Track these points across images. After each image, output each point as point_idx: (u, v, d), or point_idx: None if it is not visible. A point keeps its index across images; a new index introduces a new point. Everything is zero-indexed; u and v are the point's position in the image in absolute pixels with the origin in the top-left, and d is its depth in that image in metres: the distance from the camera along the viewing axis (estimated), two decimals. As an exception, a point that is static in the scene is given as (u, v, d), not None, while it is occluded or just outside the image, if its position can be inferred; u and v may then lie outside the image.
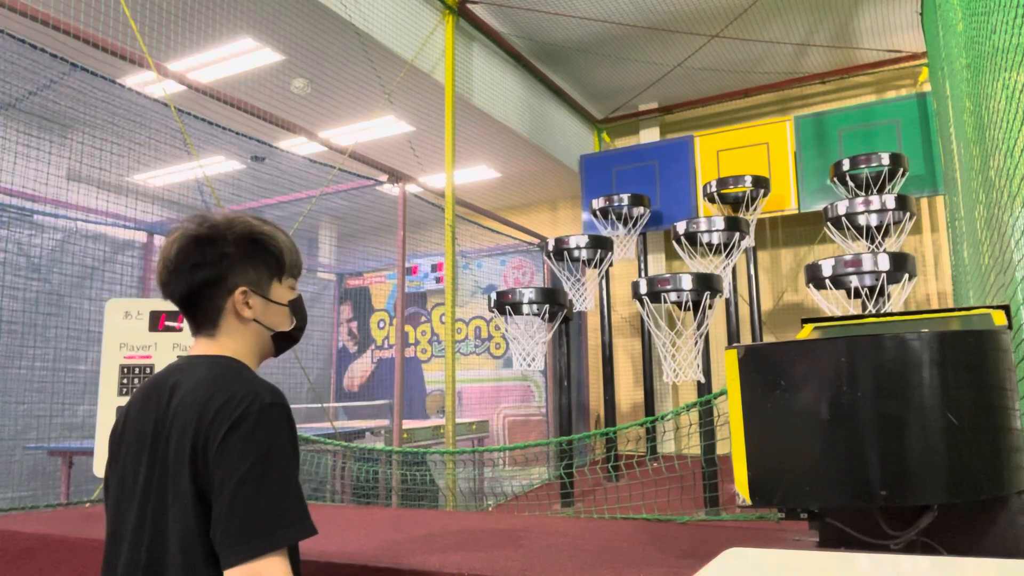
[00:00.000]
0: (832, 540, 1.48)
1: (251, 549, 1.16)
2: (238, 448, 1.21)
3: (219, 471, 1.20)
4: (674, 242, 6.55)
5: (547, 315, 5.34)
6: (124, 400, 3.17)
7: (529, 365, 5.54)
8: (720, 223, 6.29)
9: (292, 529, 1.21)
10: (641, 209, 7.44)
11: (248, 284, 1.42)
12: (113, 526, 1.36)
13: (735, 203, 7.17)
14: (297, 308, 1.52)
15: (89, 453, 4.30)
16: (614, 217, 7.43)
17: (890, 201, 5.71)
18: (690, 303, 5.16)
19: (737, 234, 6.36)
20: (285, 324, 1.49)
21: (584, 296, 6.81)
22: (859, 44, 7.81)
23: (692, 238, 6.37)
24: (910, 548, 1.41)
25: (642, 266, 8.02)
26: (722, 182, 7.08)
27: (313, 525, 1.26)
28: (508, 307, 5.32)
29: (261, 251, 1.44)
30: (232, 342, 1.42)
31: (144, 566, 1.26)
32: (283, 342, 1.51)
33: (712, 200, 7.24)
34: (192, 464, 1.24)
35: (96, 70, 4.20)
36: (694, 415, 4.06)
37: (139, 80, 4.84)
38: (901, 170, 6.49)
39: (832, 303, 5.19)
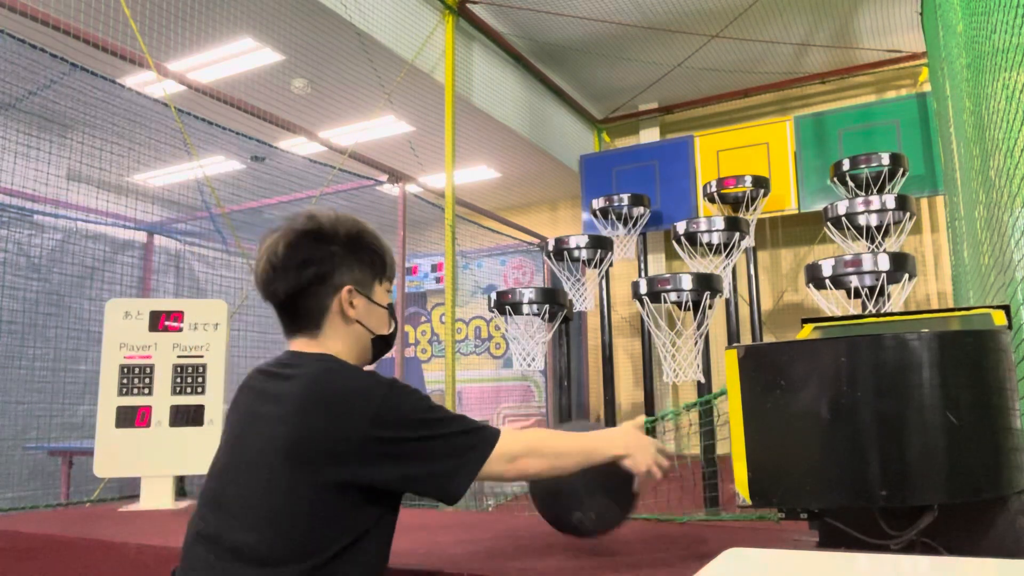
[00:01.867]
0: (832, 540, 1.48)
1: (467, 469, 1.30)
2: (393, 424, 1.26)
3: (382, 447, 1.25)
4: (674, 242, 6.55)
5: (547, 315, 5.34)
6: (124, 400, 3.17)
7: (529, 365, 5.54)
8: (720, 223, 6.29)
9: (485, 438, 1.33)
10: (641, 209, 7.44)
11: (354, 283, 1.42)
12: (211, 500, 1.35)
13: (735, 203, 7.17)
14: (392, 312, 1.52)
15: (89, 453, 4.30)
16: (614, 217, 7.43)
17: (890, 201, 5.71)
18: (690, 303, 5.15)
19: (737, 234, 6.36)
20: (385, 327, 1.49)
21: (584, 296, 6.81)
22: (859, 44, 7.81)
23: (692, 238, 6.37)
24: (910, 548, 1.41)
25: (642, 266, 8.02)
26: (722, 182, 7.08)
27: (491, 430, 1.36)
28: (508, 307, 5.32)
29: (367, 250, 1.45)
30: (334, 343, 1.41)
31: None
32: (380, 347, 1.49)
33: (712, 200, 7.24)
34: (331, 449, 1.25)
35: (96, 70, 4.20)
36: (694, 415, 4.06)
37: (139, 80, 4.84)
38: (901, 170, 6.49)
39: (832, 303, 5.19)
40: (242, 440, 1.35)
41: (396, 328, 1.53)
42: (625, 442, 1.49)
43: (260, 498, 1.26)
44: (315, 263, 1.38)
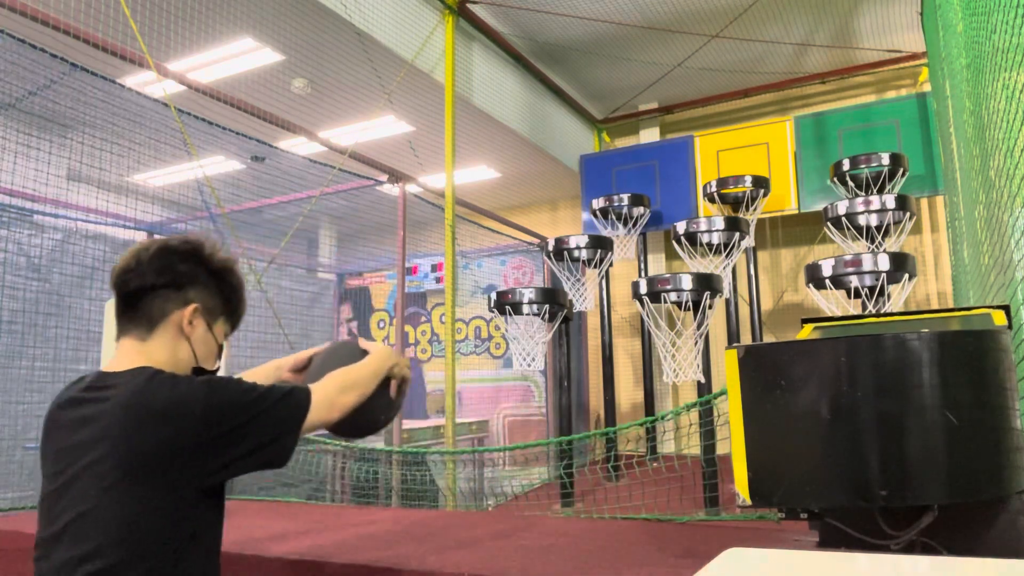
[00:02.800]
0: (832, 540, 1.48)
1: (292, 434, 1.42)
2: (230, 419, 1.34)
3: (227, 438, 1.33)
4: (674, 242, 6.55)
5: (547, 315, 5.34)
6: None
7: (529, 365, 5.54)
8: (720, 223, 6.29)
9: (300, 396, 1.45)
10: (641, 209, 7.44)
11: (202, 305, 1.47)
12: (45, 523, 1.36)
13: (735, 203, 7.17)
14: (221, 354, 1.56)
15: (89, 453, 4.29)
16: (614, 217, 7.42)
17: (890, 201, 5.71)
18: (690, 303, 5.16)
19: (737, 234, 6.36)
20: (210, 361, 1.53)
21: (584, 296, 6.81)
22: (859, 44, 7.81)
23: (692, 238, 6.37)
24: (910, 548, 1.41)
25: (642, 266, 8.02)
26: (722, 182, 7.08)
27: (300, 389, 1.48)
28: (508, 307, 5.32)
29: (228, 287, 1.51)
30: (160, 352, 1.44)
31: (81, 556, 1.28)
32: (198, 370, 1.53)
33: (712, 200, 7.24)
34: (169, 458, 1.29)
35: (96, 70, 4.20)
36: (694, 415, 4.06)
37: (139, 80, 4.84)
38: (901, 170, 6.49)
39: (832, 303, 5.19)
40: (65, 472, 1.33)
41: (218, 369, 1.56)
42: (389, 354, 1.70)
43: (95, 519, 1.27)
44: (175, 273, 1.43)
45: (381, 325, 9.18)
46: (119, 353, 1.45)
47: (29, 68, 4.30)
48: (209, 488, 1.37)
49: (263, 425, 1.38)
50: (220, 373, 1.56)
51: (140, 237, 6.84)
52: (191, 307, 1.45)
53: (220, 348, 1.55)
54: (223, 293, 1.51)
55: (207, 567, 1.39)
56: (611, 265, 6.95)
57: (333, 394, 1.52)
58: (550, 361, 7.48)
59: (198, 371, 1.49)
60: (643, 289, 5.27)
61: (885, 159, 6.42)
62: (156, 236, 6.87)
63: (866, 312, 4.92)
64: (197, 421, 1.31)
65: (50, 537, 1.32)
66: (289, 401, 1.44)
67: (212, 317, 1.50)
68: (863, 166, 6.53)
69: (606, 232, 7.33)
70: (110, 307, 3.29)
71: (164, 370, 1.39)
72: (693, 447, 4.10)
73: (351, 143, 5.77)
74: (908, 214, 5.79)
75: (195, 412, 1.31)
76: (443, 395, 6.19)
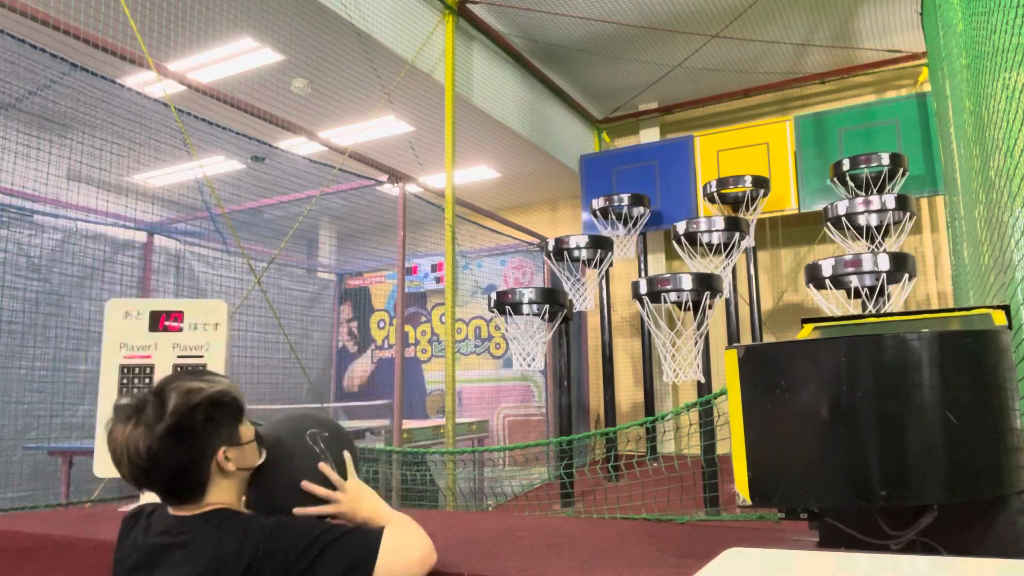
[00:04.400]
0: (832, 540, 1.48)
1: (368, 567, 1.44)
2: (287, 550, 1.40)
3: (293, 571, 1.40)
4: (674, 242, 6.55)
5: (547, 315, 5.34)
6: (124, 400, 3.17)
7: (529, 365, 5.54)
8: (720, 223, 6.29)
9: (371, 537, 1.48)
10: (641, 209, 7.44)
11: (224, 443, 1.47)
12: None
13: (735, 203, 7.17)
14: (260, 440, 1.57)
15: (89, 453, 4.30)
16: (614, 217, 7.42)
17: (890, 201, 5.71)
18: (690, 303, 5.15)
19: (737, 234, 6.36)
20: (257, 458, 1.55)
21: (584, 296, 6.81)
22: (859, 44, 7.81)
23: (692, 238, 6.37)
24: (910, 548, 1.41)
25: (642, 266, 8.01)
26: (722, 182, 7.08)
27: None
28: (508, 307, 5.32)
29: (224, 409, 1.49)
30: (217, 497, 1.47)
31: None
32: (256, 473, 1.57)
33: (712, 200, 7.24)
34: None
35: (96, 70, 4.20)
36: (694, 415, 4.06)
37: (139, 80, 4.84)
38: (901, 170, 6.49)
39: (832, 303, 5.19)
40: None
41: (263, 450, 1.58)
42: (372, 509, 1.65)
43: None
44: (184, 450, 1.41)
45: (381, 325, 9.18)
46: (183, 512, 1.48)
47: (29, 68, 4.30)
48: None
49: (328, 562, 1.41)
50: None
51: (140, 237, 6.83)
52: (219, 453, 1.46)
53: (254, 441, 1.55)
54: (227, 417, 1.49)
55: None
56: (611, 265, 6.95)
57: (405, 545, 1.51)
58: (550, 361, 7.49)
59: (255, 473, 1.54)
60: (643, 289, 5.27)
61: (885, 159, 6.42)
62: (154, 235, 6.87)
63: (866, 312, 4.92)
64: (257, 564, 1.37)
65: None
66: (356, 536, 1.47)
67: (235, 437, 1.50)
68: (863, 166, 6.53)
69: (606, 232, 7.33)
70: (110, 307, 3.29)
71: (229, 508, 1.48)
72: (693, 447, 4.10)
73: (351, 143, 5.77)
74: (908, 214, 5.79)
75: (258, 554, 1.37)
76: (443, 395, 6.19)
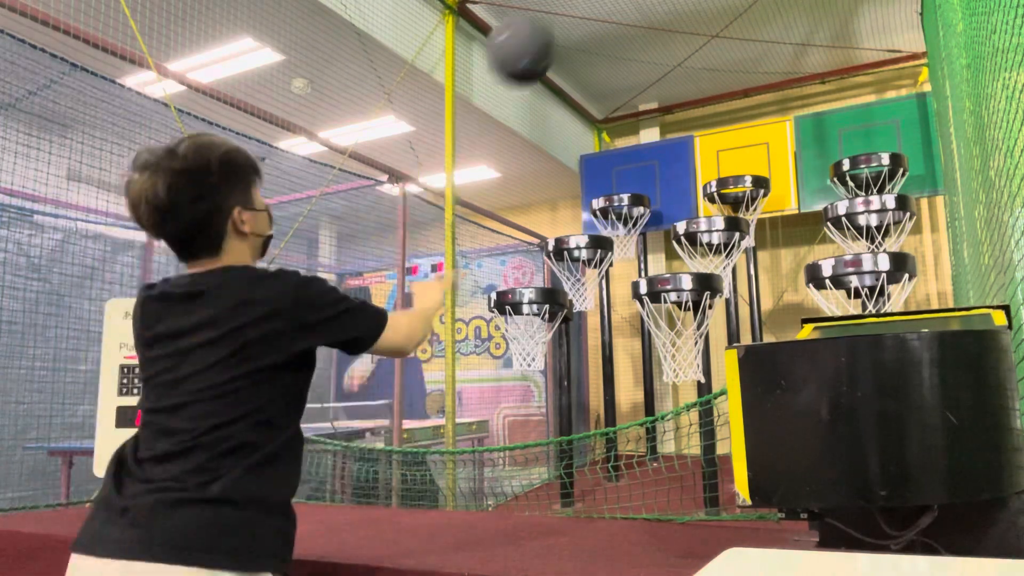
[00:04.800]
0: (832, 540, 1.48)
1: (375, 331, 1.59)
2: (314, 302, 1.49)
3: (311, 318, 1.48)
4: (674, 242, 6.55)
5: (547, 315, 5.34)
6: (124, 400, 3.18)
7: (529, 365, 5.54)
8: (720, 223, 6.29)
9: (381, 314, 1.61)
10: (641, 209, 7.44)
11: (239, 203, 1.51)
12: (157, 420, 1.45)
13: (735, 203, 7.17)
14: (270, 213, 1.65)
15: (89, 453, 4.30)
16: (614, 217, 7.43)
17: (890, 201, 5.71)
18: (690, 303, 5.15)
19: (737, 234, 6.36)
20: (268, 227, 1.62)
21: (584, 296, 6.81)
22: (859, 44, 7.81)
23: (692, 238, 6.37)
24: (910, 548, 1.41)
25: (642, 266, 8.01)
26: (722, 182, 7.08)
27: (383, 310, 1.65)
28: (508, 307, 5.32)
29: (241, 168, 1.53)
30: (231, 257, 1.53)
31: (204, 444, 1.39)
32: (266, 244, 1.65)
33: (712, 200, 7.24)
34: (272, 338, 1.44)
35: (96, 70, 4.20)
36: (694, 415, 4.06)
37: (139, 80, 4.84)
38: (901, 170, 6.49)
39: (832, 303, 5.19)
40: (181, 366, 1.44)
41: (272, 222, 1.66)
42: (426, 295, 1.89)
43: (218, 398, 1.40)
44: (204, 198, 1.45)
45: (381, 325, 9.17)
46: (196, 268, 1.53)
47: (29, 68, 4.30)
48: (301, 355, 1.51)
49: (336, 327, 1.53)
50: None
51: (140, 237, 6.83)
52: (235, 212, 1.50)
53: (267, 209, 1.62)
54: (242, 175, 1.53)
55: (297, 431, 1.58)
56: (611, 265, 6.95)
57: (406, 327, 1.66)
58: (550, 361, 7.49)
59: (266, 240, 1.63)
60: (643, 289, 5.27)
61: (885, 159, 6.42)
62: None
63: (866, 312, 4.92)
64: (289, 313, 1.45)
65: (169, 408, 1.42)
66: (368, 310, 1.59)
67: (249, 199, 1.54)
68: (863, 166, 6.53)
69: (606, 232, 7.33)
70: (110, 307, 3.29)
71: (251, 265, 1.55)
72: (693, 447, 4.10)
73: (351, 143, 5.77)
74: (908, 214, 5.79)
75: (285, 302, 1.45)
76: (443, 395, 6.19)
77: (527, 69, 2.10)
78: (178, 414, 1.40)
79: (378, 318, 1.61)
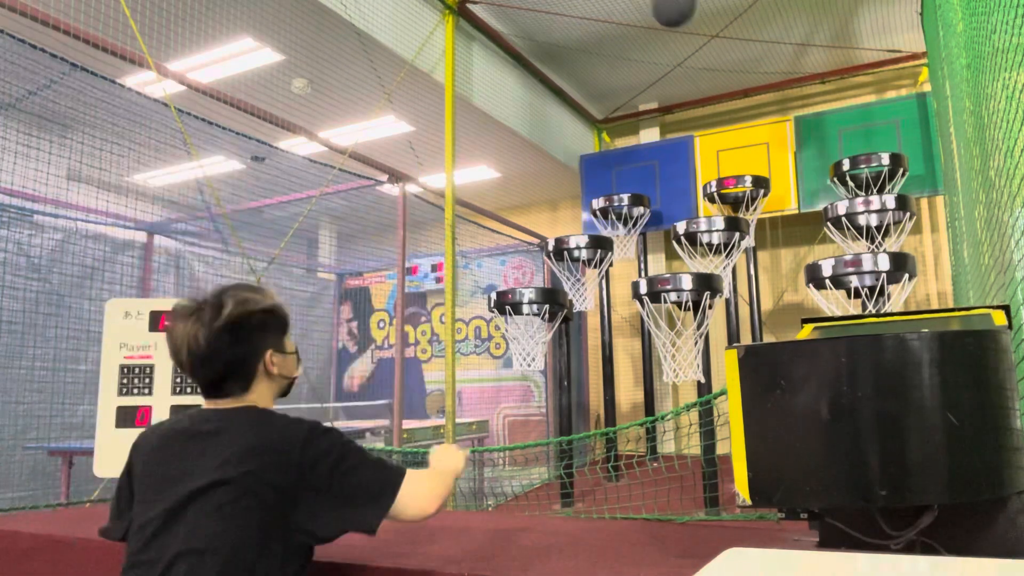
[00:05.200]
0: (832, 540, 1.48)
1: (391, 493, 1.53)
2: (324, 457, 1.50)
3: (321, 477, 1.49)
4: (674, 242, 6.55)
5: (547, 315, 5.34)
6: (124, 400, 3.17)
7: (529, 365, 5.54)
8: (720, 223, 6.29)
9: (396, 472, 1.56)
10: (641, 209, 7.44)
11: (272, 347, 1.64)
12: (143, 555, 1.49)
13: (735, 203, 7.17)
14: (298, 355, 1.77)
15: (89, 453, 4.30)
16: (614, 217, 7.42)
17: (890, 201, 5.71)
18: (690, 303, 5.15)
19: (737, 234, 6.36)
20: (296, 369, 1.74)
21: (584, 296, 6.81)
22: (859, 44, 7.81)
23: (692, 238, 6.37)
24: (910, 548, 1.41)
25: (642, 266, 8.01)
26: (722, 182, 7.08)
27: (401, 468, 1.60)
28: (508, 307, 5.32)
29: (275, 319, 1.67)
30: (256, 396, 1.63)
31: None
32: (291, 384, 1.76)
33: (712, 200, 7.24)
34: (278, 490, 1.46)
35: (96, 70, 4.20)
36: (694, 415, 4.06)
37: (139, 80, 4.84)
38: (901, 170, 6.48)
39: (832, 303, 5.19)
40: (182, 481, 1.49)
41: (300, 364, 1.79)
42: (444, 460, 1.82)
43: (207, 547, 1.41)
44: (239, 346, 1.58)
45: (381, 325, 9.18)
46: (219, 404, 1.62)
47: (29, 68, 4.30)
48: (297, 546, 1.51)
49: (349, 483, 1.51)
50: None
51: (140, 237, 6.83)
52: (267, 354, 1.62)
53: (295, 355, 1.73)
54: (277, 325, 1.67)
55: None
56: (611, 265, 6.95)
57: (427, 490, 1.60)
58: (550, 361, 7.48)
59: (291, 381, 1.73)
60: (643, 289, 5.27)
61: (885, 159, 6.42)
62: (154, 235, 6.87)
63: (866, 312, 4.92)
64: (294, 463, 1.47)
65: (151, 561, 1.45)
66: (384, 467, 1.56)
67: (281, 344, 1.67)
68: (863, 166, 6.53)
69: (606, 232, 7.33)
70: (110, 307, 3.29)
71: (267, 408, 1.62)
72: (693, 447, 4.10)
73: (351, 143, 5.77)
74: (908, 214, 5.79)
75: (294, 453, 1.48)
76: (443, 395, 6.19)
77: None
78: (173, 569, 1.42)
79: (392, 475, 1.58)
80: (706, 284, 5.07)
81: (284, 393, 1.73)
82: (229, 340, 1.55)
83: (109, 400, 3.17)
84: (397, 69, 6.03)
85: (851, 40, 7.74)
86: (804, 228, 8.16)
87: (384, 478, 1.55)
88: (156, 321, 3.26)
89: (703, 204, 7.68)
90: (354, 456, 1.54)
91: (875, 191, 6.54)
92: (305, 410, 7.17)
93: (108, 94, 4.63)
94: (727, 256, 6.45)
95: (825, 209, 6.01)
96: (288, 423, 1.54)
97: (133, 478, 1.61)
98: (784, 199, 7.57)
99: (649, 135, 9.33)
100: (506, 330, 5.64)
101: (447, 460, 1.82)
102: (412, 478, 1.59)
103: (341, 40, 5.69)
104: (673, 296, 5.26)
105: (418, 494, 1.57)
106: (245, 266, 5.07)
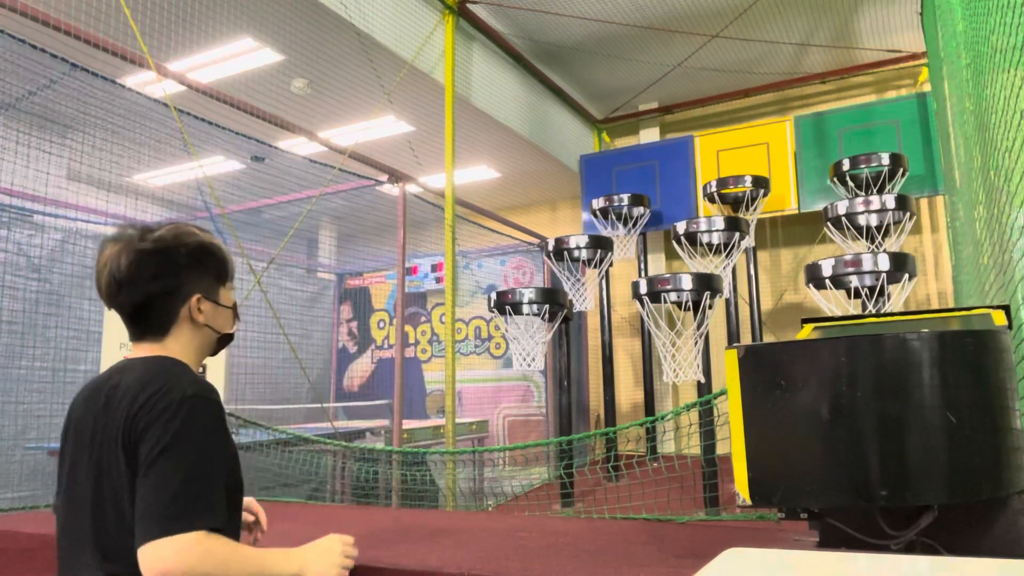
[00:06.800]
0: (832, 540, 1.48)
1: (160, 527, 1.23)
2: (155, 434, 1.30)
3: (143, 454, 1.30)
4: (674, 242, 6.55)
5: (547, 315, 5.34)
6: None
7: (529, 365, 5.54)
8: (720, 223, 6.29)
9: (197, 515, 1.26)
10: (641, 209, 7.44)
11: (201, 292, 1.51)
12: (64, 520, 1.43)
13: (735, 203, 7.17)
14: (236, 311, 1.64)
15: (89, 453, 4.30)
16: (614, 217, 7.42)
17: (890, 201, 5.71)
18: (690, 303, 5.15)
19: (737, 234, 6.36)
20: (229, 325, 1.59)
21: (584, 296, 6.81)
22: (859, 44, 7.81)
23: (692, 238, 6.37)
24: (910, 548, 1.41)
25: (642, 266, 8.01)
26: (722, 182, 7.08)
27: (220, 517, 1.30)
28: (508, 307, 5.32)
29: (211, 260, 1.53)
30: (177, 344, 1.50)
31: (98, 555, 1.33)
32: (224, 341, 1.60)
33: (712, 200, 7.24)
34: (125, 451, 1.32)
35: (96, 70, 4.20)
36: (694, 415, 4.06)
37: (139, 80, 4.84)
38: (901, 170, 6.48)
39: (832, 303, 5.19)
40: (75, 439, 1.43)
41: (238, 322, 1.64)
42: (302, 559, 1.43)
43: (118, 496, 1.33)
44: (162, 277, 1.45)
45: (381, 325, 9.18)
46: (138, 352, 1.51)
47: (29, 68, 4.30)
48: None
49: (151, 482, 1.28)
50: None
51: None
52: (194, 298, 1.49)
53: (234, 307, 1.60)
54: (211, 267, 1.53)
55: None
56: (611, 265, 6.95)
57: (216, 555, 1.27)
58: (550, 361, 7.49)
59: (224, 337, 1.58)
60: (643, 289, 5.27)
61: (885, 159, 6.42)
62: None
63: (866, 312, 4.92)
64: (137, 427, 1.33)
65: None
66: (193, 496, 1.28)
67: (214, 292, 1.54)
68: (863, 166, 6.53)
69: (606, 232, 7.33)
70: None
71: (178, 360, 1.47)
72: (693, 447, 4.10)
73: (351, 143, 5.77)
74: (908, 214, 5.79)
75: (141, 415, 1.33)
76: (443, 395, 6.19)
77: None
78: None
79: (195, 508, 1.26)
80: (706, 284, 5.07)
81: (214, 352, 1.58)
82: (153, 268, 1.43)
83: (109, 400, 3.16)
84: (397, 69, 6.03)
85: (851, 40, 7.74)
86: (804, 228, 8.16)
87: (178, 508, 1.24)
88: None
89: (703, 204, 7.68)
90: (183, 455, 1.28)
91: (875, 191, 6.54)
92: (304, 411, 7.17)
93: (108, 94, 4.63)
94: (727, 256, 6.45)
95: (825, 209, 6.01)
96: (173, 384, 1.34)
97: (66, 442, 1.49)
98: (784, 199, 7.57)
99: (649, 135, 9.33)
100: (506, 330, 5.65)
101: (314, 561, 1.43)
102: (204, 539, 1.24)
103: (341, 40, 5.69)
104: (673, 296, 5.26)
105: (188, 557, 1.21)
106: (245, 266, 5.07)
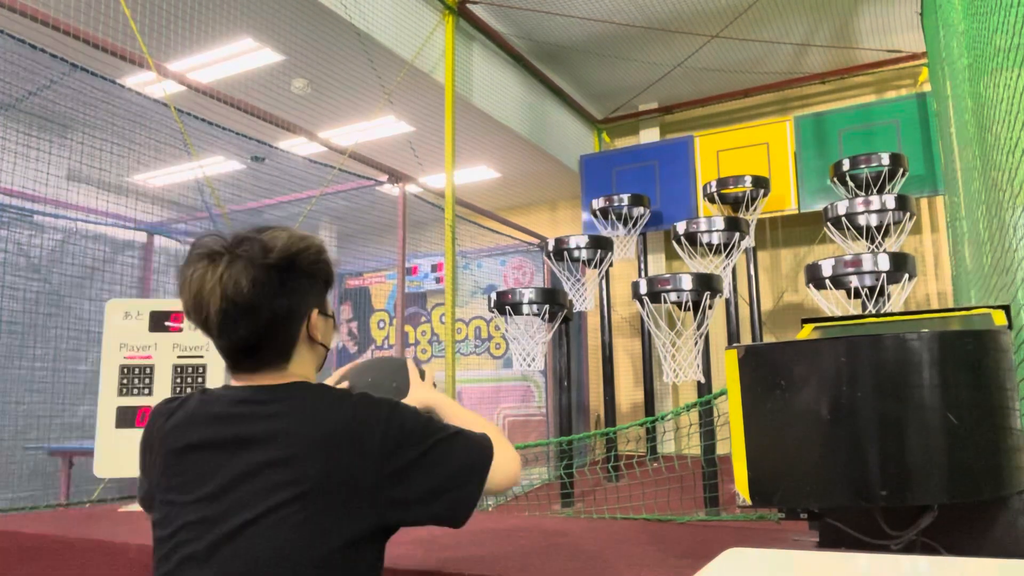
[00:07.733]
0: (832, 540, 1.48)
1: (472, 490, 1.25)
2: (410, 446, 1.20)
3: (404, 472, 1.18)
4: (674, 242, 6.55)
5: (547, 315, 5.34)
6: (124, 400, 3.17)
7: (529, 365, 5.54)
8: (720, 223, 6.29)
9: (481, 447, 1.28)
10: (641, 209, 7.44)
11: (317, 305, 1.30)
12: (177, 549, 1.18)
13: (735, 203, 7.17)
14: (335, 318, 1.44)
15: (89, 453, 4.31)
16: (614, 217, 7.42)
17: (890, 201, 5.71)
18: (690, 303, 5.15)
19: (737, 234, 6.36)
20: (330, 339, 1.39)
21: (584, 296, 6.81)
22: (859, 44, 7.81)
23: (692, 238, 6.37)
24: (910, 548, 1.41)
25: (642, 266, 8.01)
26: (722, 182, 7.08)
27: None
28: (508, 307, 5.32)
29: (326, 266, 1.32)
30: (299, 368, 1.29)
31: None
32: (326, 353, 1.41)
33: (712, 200, 7.24)
34: (349, 484, 1.15)
35: (96, 70, 4.20)
36: (694, 415, 4.06)
37: (139, 80, 4.84)
38: (901, 170, 6.48)
39: (832, 303, 5.19)
40: (229, 495, 1.15)
41: (337, 333, 1.51)
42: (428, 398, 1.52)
43: (276, 558, 1.12)
44: (287, 295, 1.23)
45: (381, 325, 9.18)
46: (259, 377, 1.27)
47: (29, 68, 4.30)
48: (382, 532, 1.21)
49: (441, 471, 1.22)
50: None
51: (140, 237, 6.83)
52: (313, 315, 1.28)
53: (333, 317, 1.41)
54: (324, 278, 1.32)
55: None
56: (611, 265, 6.94)
57: (510, 455, 1.32)
58: (550, 361, 7.48)
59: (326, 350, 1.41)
60: (643, 289, 5.27)
61: (885, 159, 6.41)
62: (154, 235, 6.87)
63: (866, 312, 4.92)
64: (375, 451, 1.17)
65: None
66: (470, 443, 1.27)
67: (324, 302, 1.34)
68: (863, 166, 6.53)
69: (606, 232, 7.33)
70: (110, 307, 3.29)
71: (321, 384, 1.28)
72: (693, 447, 4.10)
73: (351, 143, 5.77)
74: (908, 214, 5.79)
75: (374, 440, 1.17)
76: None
77: None
78: None
79: (484, 445, 1.28)
80: (706, 284, 5.07)
81: (319, 368, 1.37)
82: (279, 285, 1.20)
83: (109, 400, 3.16)
84: (397, 69, 6.03)
85: (851, 40, 7.74)
86: (804, 228, 8.16)
87: (474, 459, 1.25)
88: (156, 321, 3.26)
89: (703, 204, 7.68)
90: (440, 435, 1.23)
91: (875, 191, 6.54)
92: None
93: (108, 94, 4.63)
94: (727, 256, 6.44)
95: (825, 209, 6.01)
96: (362, 402, 1.21)
97: (153, 479, 1.25)
98: (784, 199, 7.57)
99: (649, 135, 9.33)
100: (506, 330, 5.64)
101: (449, 403, 1.49)
102: (497, 446, 1.29)
103: (341, 40, 5.69)
104: (673, 296, 5.26)
105: (506, 463, 1.29)
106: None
